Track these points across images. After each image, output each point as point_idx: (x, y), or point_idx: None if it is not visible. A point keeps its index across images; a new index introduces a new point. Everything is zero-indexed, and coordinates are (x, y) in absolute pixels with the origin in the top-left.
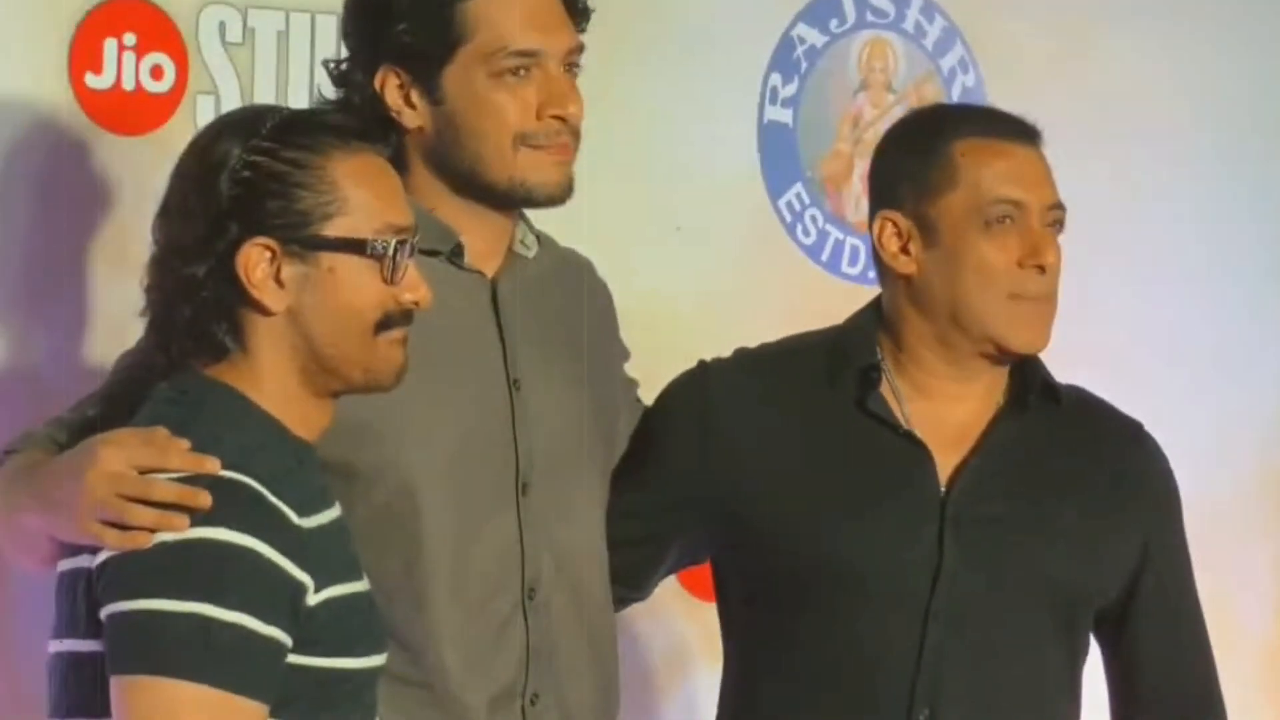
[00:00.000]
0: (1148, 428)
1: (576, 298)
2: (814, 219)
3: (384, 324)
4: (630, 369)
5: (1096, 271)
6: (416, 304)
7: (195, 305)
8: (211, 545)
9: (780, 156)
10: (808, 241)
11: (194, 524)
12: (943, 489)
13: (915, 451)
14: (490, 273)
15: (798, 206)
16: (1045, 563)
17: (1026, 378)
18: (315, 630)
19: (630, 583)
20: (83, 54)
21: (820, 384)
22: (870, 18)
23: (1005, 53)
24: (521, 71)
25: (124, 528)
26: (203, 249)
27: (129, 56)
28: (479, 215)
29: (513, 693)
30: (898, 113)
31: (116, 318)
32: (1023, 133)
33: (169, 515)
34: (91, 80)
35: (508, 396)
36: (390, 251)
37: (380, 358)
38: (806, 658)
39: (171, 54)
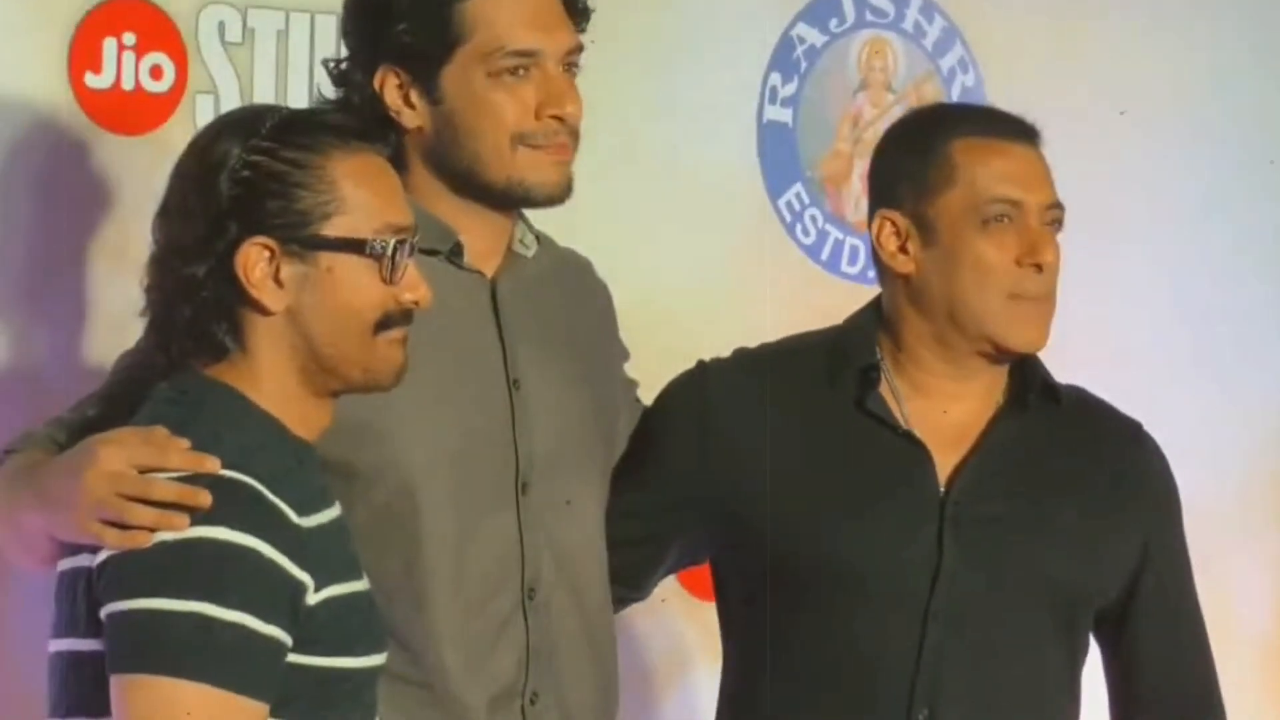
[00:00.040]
0: (1147, 428)
1: (576, 297)
2: (814, 219)
3: (383, 324)
4: (630, 369)
5: (1095, 271)
6: (416, 303)
7: (195, 305)
8: (211, 544)
9: (780, 156)
10: (807, 241)
11: (194, 523)
12: (942, 489)
13: (914, 451)
14: (490, 272)
15: (797, 206)
16: (1045, 563)
17: (1026, 377)
18: (315, 630)
19: (630, 583)
20: (82, 54)
21: (820, 384)
22: (870, 17)
23: (1005, 52)
24: (520, 71)
25: (124, 527)
26: (202, 249)
27: (128, 56)
28: (478, 215)
29: (512, 692)
30: (897, 112)
31: (116, 317)
32: (1021, 132)
33: (169, 514)
34: (91, 80)
35: (507, 396)
36: (389, 251)
37: (380, 357)
38: (806, 657)
39: (171, 54)
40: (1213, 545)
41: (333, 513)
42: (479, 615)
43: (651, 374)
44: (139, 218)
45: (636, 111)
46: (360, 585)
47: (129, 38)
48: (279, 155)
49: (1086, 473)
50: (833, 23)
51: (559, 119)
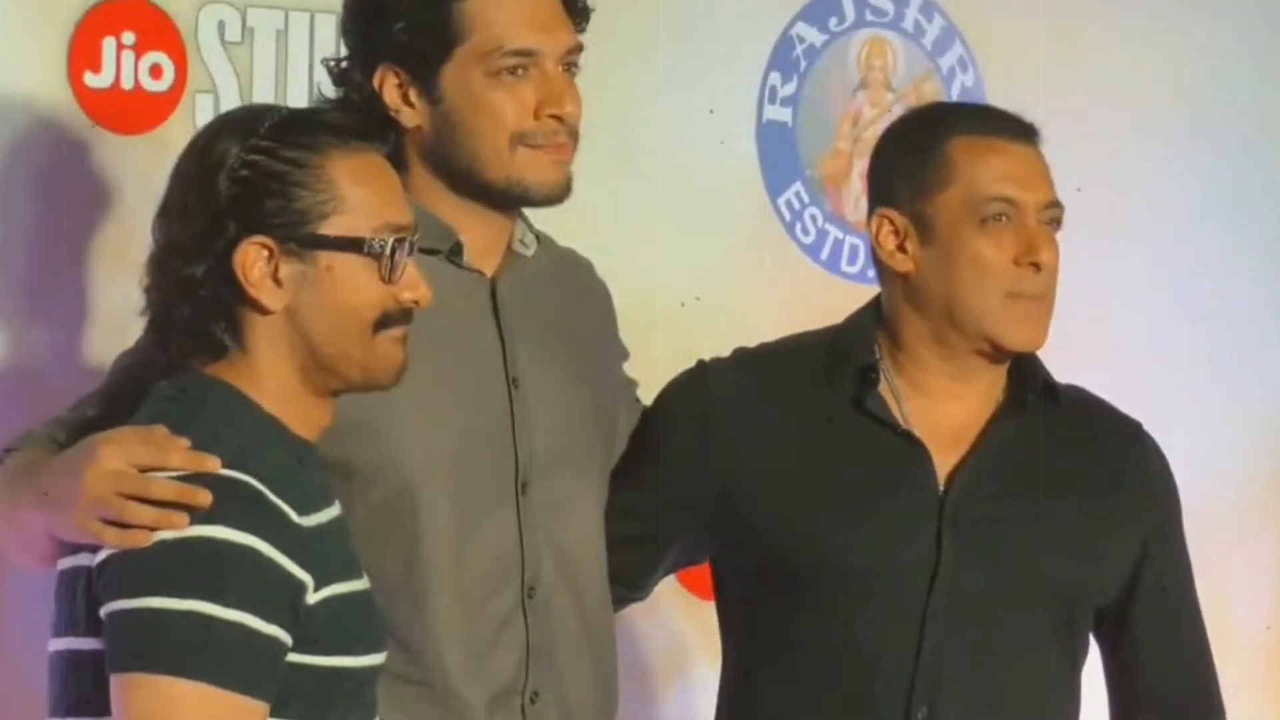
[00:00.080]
0: (1147, 428)
1: (576, 297)
2: (813, 218)
3: (382, 322)
4: (629, 369)
5: (1095, 271)
6: (416, 303)
7: (194, 304)
8: (211, 543)
9: (779, 155)
10: (807, 240)
11: (193, 522)
12: (941, 488)
13: (913, 451)
14: (489, 272)
15: (797, 205)
16: (1044, 562)
17: (1025, 377)
18: (315, 629)
19: (629, 582)
20: (82, 53)
21: (819, 383)
22: (869, 16)
23: (1004, 52)
24: (519, 71)
25: (124, 526)
26: (201, 248)
27: (128, 55)
28: (478, 214)
29: (512, 691)
30: (897, 111)
31: (116, 316)
32: (1019, 131)
33: (168, 513)
34: (90, 79)
35: (507, 395)
36: (388, 250)
37: (379, 356)
38: (805, 656)
39: (170, 53)
40: (1213, 545)
41: (332, 512)
42: (479, 614)
43: (651, 374)
44: (139, 217)
45: (636, 111)
46: (360, 584)
47: (128, 37)
48: (278, 155)
49: (1086, 472)
50: (832, 22)
51: (558, 119)
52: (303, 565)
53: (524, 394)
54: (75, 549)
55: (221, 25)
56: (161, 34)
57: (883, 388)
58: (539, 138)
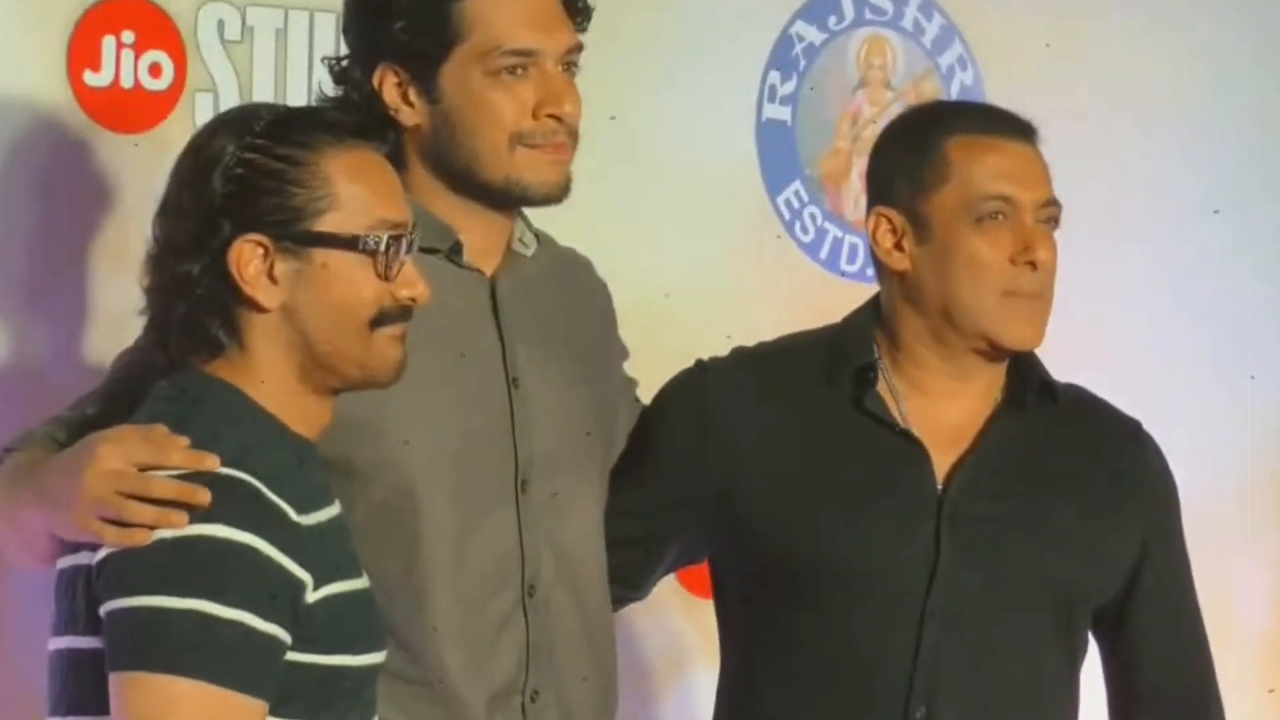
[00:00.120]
0: (1146, 427)
1: (576, 296)
2: (813, 217)
3: (379, 320)
4: (629, 368)
5: (1095, 271)
6: (413, 300)
7: (190, 303)
8: (210, 542)
9: (779, 154)
10: (806, 239)
11: (193, 521)
12: (939, 487)
13: (912, 450)
14: (489, 271)
15: (796, 204)
16: (1043, 561)
17: (1024, 376)
18: (314, 628)
19: (628, 582)
20: (81, 52)
21: (818, 383)
22: (869, 15)
23: (1004, 51)
24: (518, 70)
25: (123, 524)
26: (196, 246)
27: (127, 54)
28: (477, 214)
29: (513, 690)
30: (896, 110)
31: (116, 316)
32: (1017, 129)
33: (168, 512)
34: (90, 78)
35: (507, 395)
36: (382, 247)
37: (376, 354)
38: (804, 656)
39: (170, 52)
40: (1213, 545)
41: (332, 511)
42: (479, 613)
43: (651, 374)
44: (139, 217)
45: (635, 110)
46: (360, 583)
47: (128, 36)
48: (273, 152)
49: (1085, 471)
50: (831, 20)
51: (557, 118)
52: (302, 564)
53: (524, 394)
54: (75, 548)
55: (221, 24)
56: (161, 33)
57: (881, 387)
58: (538, 137)
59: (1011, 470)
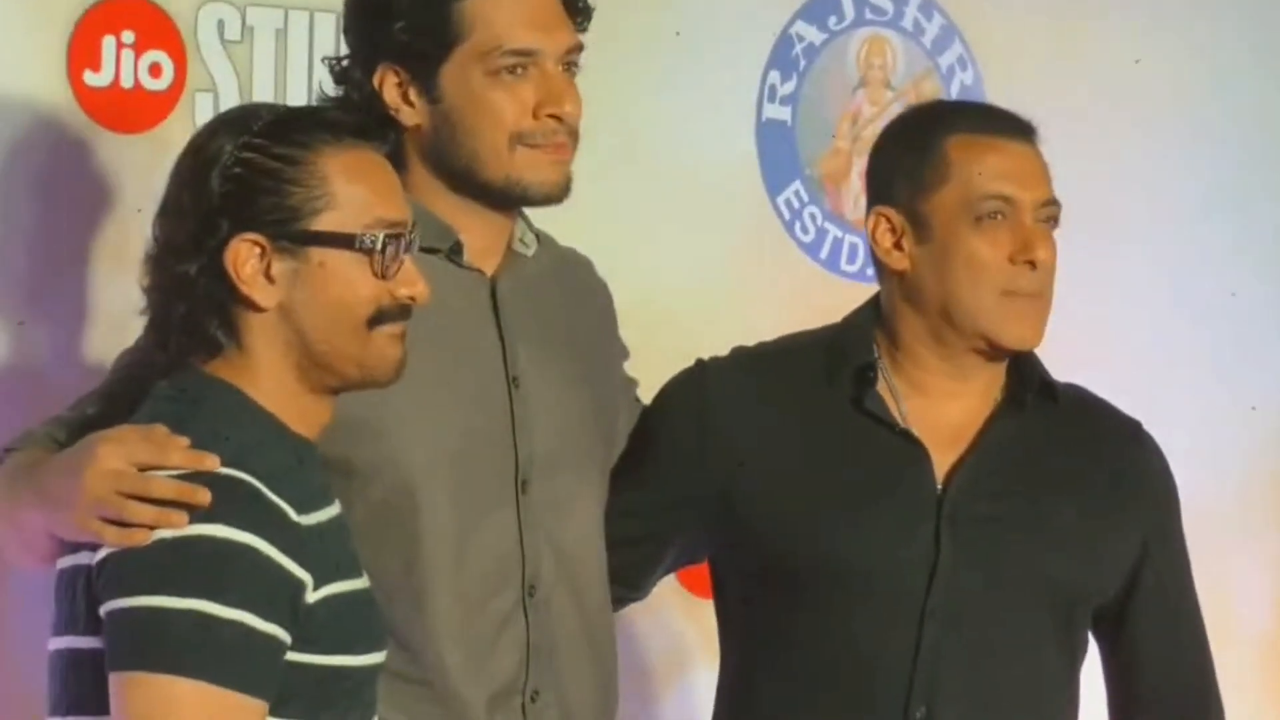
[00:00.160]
0: (1146, 427)
1: (576, 296)
2: (812, 217)
3: (378, 319)
4: (629, 368)
5: (1095, 271)
6: (412, 299)
7: (189, 302)
8: (210, 542)
9: (779, 154)
10: (806, 239)
11: (193, 521)
12: (939, 487)
13: (912, 450)
14: (489, 271)
15: (796, 204)
16: (1043, 561)
17: (1024, 376)
18: (314, 628)
19: (628, 582)
20: (81, 52)
21: (818, 383)
22: (869, 15)
23: (1004, 51)
24: (519, 70)
25: (123, 524)
26: (194, 246)
27: (127, 54)
28: (477, 213)
29: (513, 690)
30: (896, 110)
31: (116, 316)
32: (1017, 129)
33: (168, 512)
34: (90, 78)
35: (507, 395)
36: (379, 246)
37: (375, 353)
38: (804, 656)
39: (170, 52)
40: (1213, 545)
41: (332, 511)
42: (479, 613)
43: (651, 374)
44: (139, 216)
45: (635, 110)
46: (360, 583)
47: (128, 36)
48: (270, 152)
49: (1085, 471)
50: (832, 20)
51: (557, 118)
52: (302, 564)
53: (524, 394)
54: (75, 548)
55: (221, 24)
56: (161, 33)
57: (881, 387)
58: (538, 137)
59: (1011, 470)
